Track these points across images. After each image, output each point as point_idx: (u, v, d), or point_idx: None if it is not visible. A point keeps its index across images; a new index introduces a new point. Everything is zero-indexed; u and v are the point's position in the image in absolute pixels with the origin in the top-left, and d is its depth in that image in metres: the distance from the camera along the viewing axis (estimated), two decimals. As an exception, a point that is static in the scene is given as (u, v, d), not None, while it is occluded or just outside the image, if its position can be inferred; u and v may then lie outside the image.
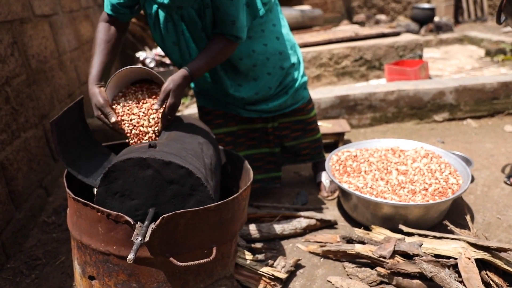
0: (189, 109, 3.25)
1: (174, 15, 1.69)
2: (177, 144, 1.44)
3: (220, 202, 1.34)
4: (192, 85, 2.10)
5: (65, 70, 2.92)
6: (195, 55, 1.78)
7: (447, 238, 1.69)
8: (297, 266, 1.77)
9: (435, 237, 1.72)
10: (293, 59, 2.04)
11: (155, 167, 1.31)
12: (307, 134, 2.26)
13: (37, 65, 2.44)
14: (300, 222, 1.98)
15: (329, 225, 2.05)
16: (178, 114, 3.12)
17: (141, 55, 4.28)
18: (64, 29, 3.02)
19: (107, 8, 1.67)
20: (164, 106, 1.51)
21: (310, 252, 1.86)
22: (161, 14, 1.70)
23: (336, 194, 2.31)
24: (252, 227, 1.94)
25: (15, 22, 2.23)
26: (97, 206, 1.29)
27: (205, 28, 1.72)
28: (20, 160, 2.08)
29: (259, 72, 1.95)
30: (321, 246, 1.84)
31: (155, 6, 1.69)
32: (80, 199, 1.32)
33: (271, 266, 1.68)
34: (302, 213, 2.05)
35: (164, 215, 1.24)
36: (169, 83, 1.50)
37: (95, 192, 1.38)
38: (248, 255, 1.71)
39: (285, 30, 2.04)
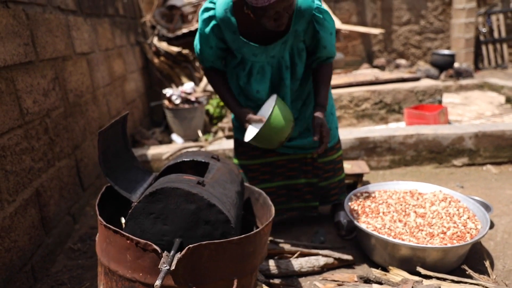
0: (212, 146, 3.36)
1: (266, 65, 1.96)
2: (220, 188, 1.55)
3: (243, 235, 1.39)
4: (232, 116, 2.22)
5: (98, 104, 3.09)
6: (266, 95, 2.02)
7: (466, 282, 1.70)
8: (314, 304, 1.78)
9: (453, 281, 1.73)
10: None
11: (198, 205, 1.39)
12: (337, 174, 2.33)
13: (74, 99, 2.60)
14: (318, 260, 2.01)
15: (347, 264, 2.06)
16: (202, 149, 3.22)
17: (167, 92, 4.46)
18: (99, 66, 3.22)
19: (206, 65, 2.02)
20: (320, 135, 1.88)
21: (327, 291, 1.88)
22: (255, 65, 1.97)
23: (353, 234, 2.34)
24: (271, 263, 1.97)
25: (58, 59, 2.42)
26: (127, 234, 1.36)
27: (293, 71, 1.99)
28: (53, 187, 2.20)
29: (303, 95, 2.12)
30: (339, 285, 1.86)
31: (250, 60, 1.95)
32: (111, 227, 1.39)
33: (289, 302, 1.70)
34: (320, 251, 2.08)
35: (190, 246, 1.30)
36: (317, 119, 1.88)
37: (132, 205, 1.46)
38: (266, 290, 1.74)
39: None
